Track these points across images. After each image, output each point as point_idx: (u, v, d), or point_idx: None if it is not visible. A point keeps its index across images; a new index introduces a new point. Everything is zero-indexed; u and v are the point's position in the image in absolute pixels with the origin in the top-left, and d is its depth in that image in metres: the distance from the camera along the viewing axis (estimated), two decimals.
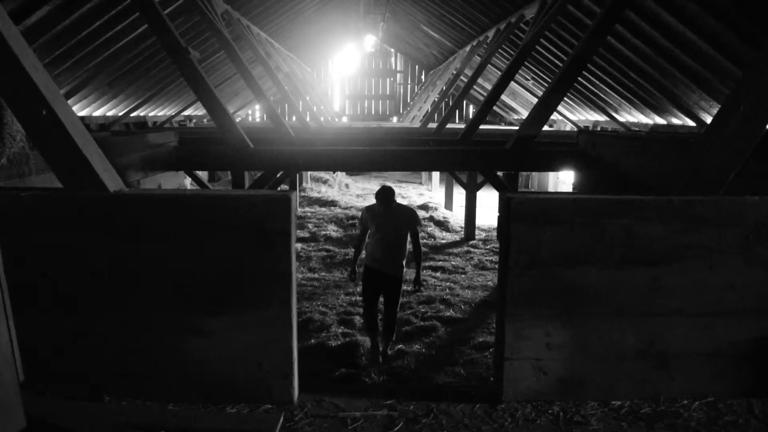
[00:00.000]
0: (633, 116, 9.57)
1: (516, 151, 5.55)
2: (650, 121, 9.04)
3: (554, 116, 12.77)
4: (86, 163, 2.38)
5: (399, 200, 4.81)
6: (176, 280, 2.41)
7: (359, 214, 5.23)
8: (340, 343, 4.70)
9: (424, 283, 6.00)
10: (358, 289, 5.17)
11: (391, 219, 4.51)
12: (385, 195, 4.52)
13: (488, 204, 11.31)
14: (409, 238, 4.66)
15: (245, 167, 6.52)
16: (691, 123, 7.59)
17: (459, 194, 11.61)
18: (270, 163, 5.59)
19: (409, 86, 23.72)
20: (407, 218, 4.57)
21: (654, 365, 2.51)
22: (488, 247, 8.60)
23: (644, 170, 4.26)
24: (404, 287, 4.86)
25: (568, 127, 12.88)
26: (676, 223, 2.41)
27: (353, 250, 4.89)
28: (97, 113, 9.03)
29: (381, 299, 4.69)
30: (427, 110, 16.45)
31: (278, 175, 6.73)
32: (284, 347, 2.44)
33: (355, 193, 13.85)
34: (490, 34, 10.52)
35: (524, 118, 7.44)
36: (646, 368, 2.52)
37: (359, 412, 2.45)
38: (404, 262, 4.63)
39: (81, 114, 8.38)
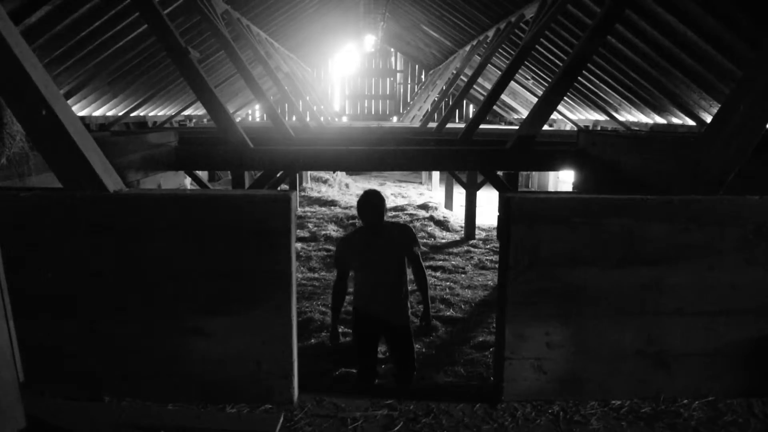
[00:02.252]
0: (633, 116, 9.58)
1: (516, 151, 5.55)
2: (650, 121, 9.04)
3: (554, 116, 12.77)
4: (86, 163, 2.38)
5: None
6: (176, 279, 2.41)
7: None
8: (340, 343, 4.68)
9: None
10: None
11: (382, 247, 3.40)
12: (374, 205, 3.32)
13: (488, 204, 11.31)
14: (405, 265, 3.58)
15: (245, 167, 6.51)
16: (691, 122, 7.59)
17: (459, 194, 11.61)
18: (270, 163, 5.58)
19: (409, 86, 23.72)
20: (402, 240, 3.49)
21: (654, 365, 2.51)
22: (488, 246, 8.60)
23: (644, 170, 4.26)
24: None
25: (568, 126, 12.88)
26: (676, 222, 2.40)
27: (330, 305, 3.69)
28: (97, 113, 9.03)
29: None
30: (427, 110, 16.45)
31: (278, 175, 6.73)
32: (284, 347, 2.44)
33: (355, 192, 13.84)
34: (490, 33, 10.52)
35: (524, 117, 7.44)
36: (646, 368, 2.52)
37: (359, 412, 2.45)
38: (408, 303, 3.61)
39: (81, 114, 8.38)
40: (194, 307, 2.42)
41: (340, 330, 4.72)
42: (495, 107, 16.21)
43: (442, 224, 9.99)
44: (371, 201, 3.38)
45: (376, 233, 3.43)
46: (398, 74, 23.65)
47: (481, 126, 7.90)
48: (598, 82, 9.20)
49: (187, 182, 9.25)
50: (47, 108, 2.31)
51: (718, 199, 2.43)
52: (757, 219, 2.40)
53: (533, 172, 15.22)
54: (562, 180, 13.44)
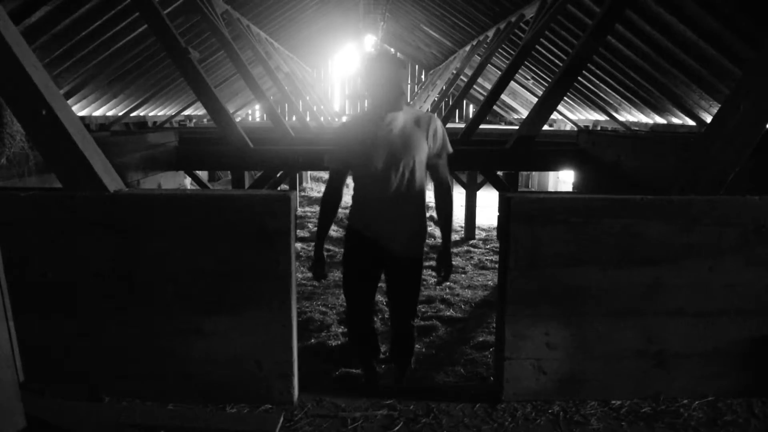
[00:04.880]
0: (633, 116, 9.58)
1: (516, 151, 5.54)
2: (650, 121, 9.05)
3: (554, 116, 12.77)
4: (86, 163, 2.38)
5: None
6: (176, 280, 2.41)
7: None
8: (340, 343, 4.69)
9: (424, 282, 4.88)
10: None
11: (395, 140, 2.50)
12: (385, 75, 2.42)
13: (488, 203, 11.31)
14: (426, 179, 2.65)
15: (245, 167, 6.52)
16: (691, 122, 7.60)
17: (459, 194, 11.61)
18: (270, 163, 5.59)
19: (409, 86, 23.75)
20: (425, 135, 2.55)
21: (654, 365, 2.51)
22: (488, 246, 8.59)
23: (644, 170, 4.26)
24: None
25: (568, 126, 12.88)
26: (676, 222, 2.41)
27: (319, 218, 2.81)
28: (97, 113, 9.03)
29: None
30: (427, 110, 16.45)
31: (278, 175, 6.73)
32: (284, 347, 2.44)
33: None
34: (490, 33, 10.52)
35: (524, 117, 7.45)
36: (646, 368, 2.52)
37: (359, 412, 2.45)
38: (426, 227, 2.73)
39: (81, 114, 8.38)
40: (194, 307, 2.42)
41: (340, 330, 4.68)
42: (495, 107, 16.21)
43: None
44: (379, 66, 2.41)
45: (389, 120, 2.50)
46: None
47: (481, 126, 7.90)
48: (598, 82, 9.20)
49: (187, 182, 9.25)
50: (47, 108, 2.31)
51: (718, 199, 2.43)
52: (757, 219, 2.40)
53: (533, 172, 15.23)
54: (562, 180, 13.42)
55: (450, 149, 2.67)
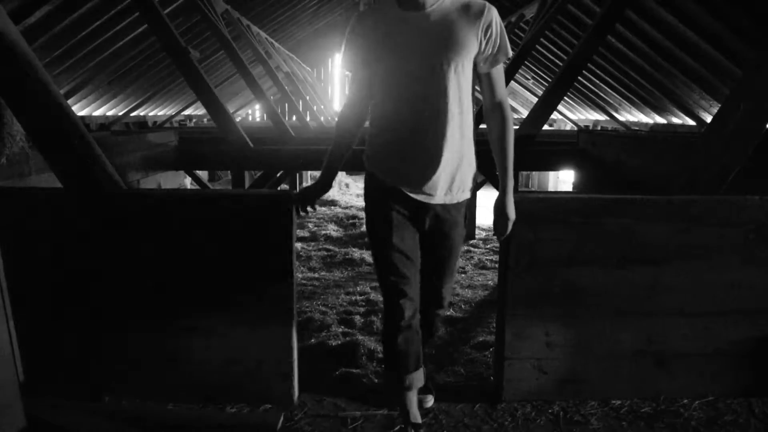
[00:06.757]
0: (633, 115, 9.58)
1: (516, 151, 5.54)
2: (650, 121, 9.05)
3: (554, 115, 12.77)
4: (86, 163, 2.38)
5: None
6: (176, 279, 2.41)
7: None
8: (340, 343, 4.68)
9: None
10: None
11: (440, 26, 1.80)
12: None
13: (488, 203, 11.31)
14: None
15: (245, 167, 6.52)
16: (691, 122, 7.60)
17: None
18: (270, 163, 5.59)
19: None
20: (482, 26, 1.83)
21: (654, 365, 2.51)
22: (488, 246, 8.58)
23: (644, 169, 4.26)
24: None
25: (569, 126, 12.88)
26: (676, 222, 2.40)
27: (332, 143, 2.14)
28: (97, 113, 9.03)
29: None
30: None
31: (278, 175, 6.73)
32: (284, 347, 2.44)
33: (355, 192, 13.79)
34: None
35: (524, 117, 7.45)
36: (646, 368, 2.52)
37: (359, 411, 2.45)
38: (475, 164, 2.08)
39: (81, 114, 8.38)
40: (194, 307, 2.42)
41: (341, 330, 4.66)
42: None
43: None
44: None
45: (419, 3, 1.79)
46: None
47: (482, 126, 7.89)
48: (598, 82, 9.21)
49: (187, 182, 9.25)
50: (47, 108, 2.31)
51: (718, 199, 2.43)
52: (757, 219, 2.40)
53: (533, 172, 15.23)
54: (562, 180, 13.42)
55: (509, 52, 1.94)
